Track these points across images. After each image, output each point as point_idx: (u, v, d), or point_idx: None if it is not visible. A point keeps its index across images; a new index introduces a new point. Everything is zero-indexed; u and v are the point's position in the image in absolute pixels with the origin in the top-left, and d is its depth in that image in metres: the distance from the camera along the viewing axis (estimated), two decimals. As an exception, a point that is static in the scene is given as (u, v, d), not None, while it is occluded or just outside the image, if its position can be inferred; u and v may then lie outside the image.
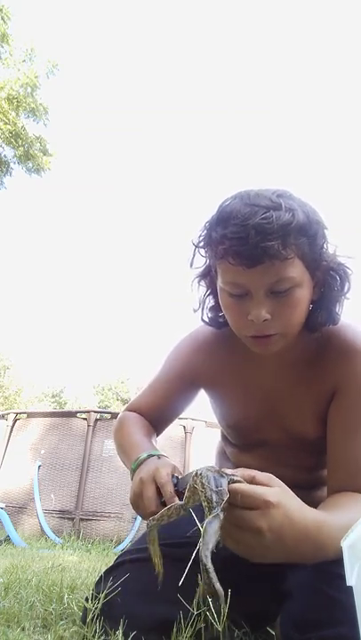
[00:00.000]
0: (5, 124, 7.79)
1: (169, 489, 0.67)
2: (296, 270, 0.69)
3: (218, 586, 0.47)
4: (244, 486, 0.54)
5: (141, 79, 57.00)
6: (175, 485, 0.68)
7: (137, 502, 0.70)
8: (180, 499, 0.62)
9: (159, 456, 0.78)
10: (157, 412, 0.95)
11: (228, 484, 0.53)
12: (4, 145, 8.13)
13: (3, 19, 7.51)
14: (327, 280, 0.75)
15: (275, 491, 0.55)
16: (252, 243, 0.65)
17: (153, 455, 0.78)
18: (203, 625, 0.61)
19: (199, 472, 0.54)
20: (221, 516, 0.50)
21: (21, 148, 8.12)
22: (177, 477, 0.70)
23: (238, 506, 0.53)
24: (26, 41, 7.95)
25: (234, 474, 0.55)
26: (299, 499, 0.59)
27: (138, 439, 0.86)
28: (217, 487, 0.52)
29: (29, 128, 8.20)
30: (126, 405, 1.01)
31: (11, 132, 7.88)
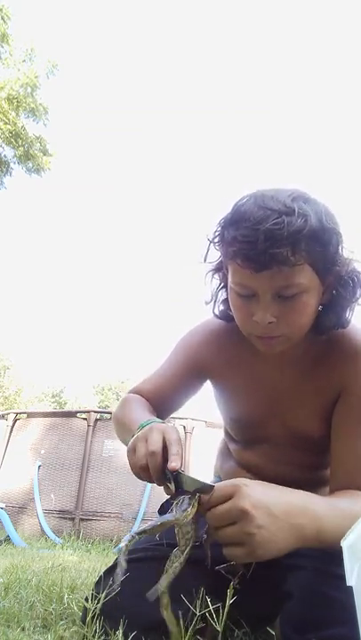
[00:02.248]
0: (5, 123, 7.78)
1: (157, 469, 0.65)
2: (305, 276, 0.69)
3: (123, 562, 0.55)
4: (217, 483, 0.58)
5: (141, 79, 57.01)
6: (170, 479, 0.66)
7: (131, 460, 0.69)
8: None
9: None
10: (161, 399, 0.94)
11: (195, 496, 0.58)
12: (4, 145, 8.12)
13: (3, 19, 7.49)
14: (338, 285, 0.75)
15: (240, 478, 0.59)
16: (261, 248, 0.65)
17: (154, 422, 0.74)
18: (202, 625, 0.61)
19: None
20: (185, 514, 0.57)
21: (21, 148, 8.10)
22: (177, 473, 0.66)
23: (217, 504, 0.56)
24: (26, 41, 7.94)
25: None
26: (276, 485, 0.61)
27: (140, 415, 0.83)
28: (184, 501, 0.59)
29: (29, 128, 8.19)
30: (130, 388, 0.99)
31: (11, 132, 7.86)
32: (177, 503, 0.59)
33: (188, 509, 0.57)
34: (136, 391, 0.96)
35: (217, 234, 0.76)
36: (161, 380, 0.95)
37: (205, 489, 0.58)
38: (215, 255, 0.81)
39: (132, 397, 0.94)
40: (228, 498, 0.56)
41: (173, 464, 0.62)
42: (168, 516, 0.57)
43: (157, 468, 0.64)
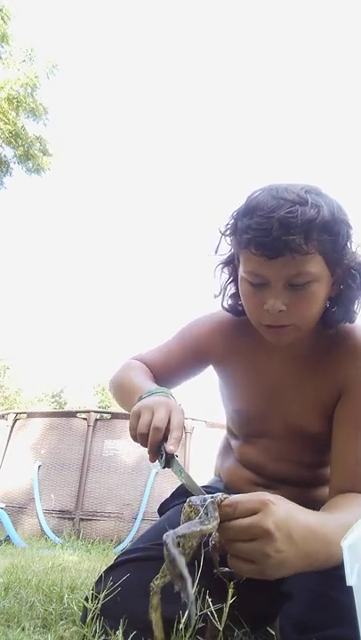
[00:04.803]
0: (5, 123, 7.78)
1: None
2: (316, 266, 0.70)
3: (184, 571, 0.46)
4: (239, 495, 0.54)
5: (142, 79, 57.00)
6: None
7: (133, 423, 0.71)
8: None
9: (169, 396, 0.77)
10: (162, 372, 0.94)
11: (219, 502, 0.53)
12: (4, 145, 8.12)
13: (3, 19, 7.49)
14: (347, 278, 0.76)
15: (264, 493, 0.55)
16: (275, 235, 0.66)
17: (162, 393, 0.76)
18: (202, 625, 0.61)
19: (188, 501, 0.55)
20: (215, 525, 0.51)
21: (21, 148, 8.10)
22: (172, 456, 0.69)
23: (239, 517, 0.52)
24: (26, 41, 7.94)
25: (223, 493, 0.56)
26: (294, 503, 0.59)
27: (144, 382, 0.84)
28: (203, 502, 0.53)
29: (29, 128, 8.19)
30: (133, 355, 0.99)
31: (11, 132, 7.86)
32: (193, 508, 0.54)
33: (215, 522, 0.52)
34: (139, 359, 0.97)
35: (229, 225, 0.77)
36: (165, 354, 0.96)
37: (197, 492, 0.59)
38: (225, 249, 0.82)
39: (136, 363, 0.95)
40: (253, 513, 0.53)
41: (171, 447, 0.66)
42: (195, 525, 0.51)
43: (155, 443, 0.67)
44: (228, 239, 0.79)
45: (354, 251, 0.75)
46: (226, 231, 0.78)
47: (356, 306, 0.79)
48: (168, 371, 0.95)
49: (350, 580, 0.47)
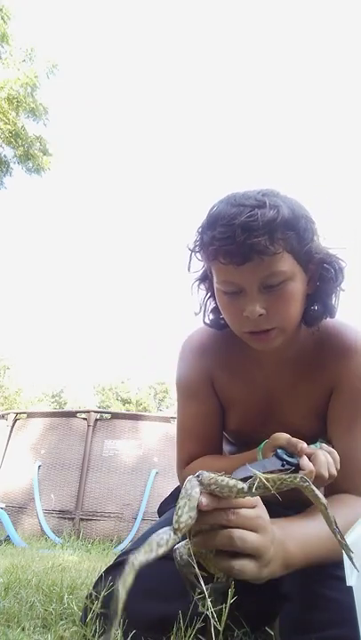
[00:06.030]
0: (5, 123, 7.78)
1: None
2: (286, 264, 0.71)
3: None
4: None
5: (142, 78, 57.02)
6: None
7: None
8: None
9: None
10: (204, 450, 0.90)
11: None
12: (4, 145, 8.12)
13: (3, 19, 7.49)
14: (321, 273, 0.77)
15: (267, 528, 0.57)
16: (239, 241, 0.67)
17: None
18: (202, 624, 0.61)
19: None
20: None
21: (21, 148, 8.10)
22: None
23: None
24: (26, 41, 7.94)
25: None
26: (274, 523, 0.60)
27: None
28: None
29: (29, 128, 8.18)
30: (178, 464, 0.93)
31: (11, 132, 7.86)
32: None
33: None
34: (184, 461, 0.91)
35: (197, 241, 0.77)
36: (191, 439, 0.91)
37: None
38: (199, 266, 0.82)
39: (190, 467, 0.89)
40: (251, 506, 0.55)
41: None
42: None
43: None
44: (199, 255, 0.79)
45: (321, 245, 0.76)
46: (195, 247, 0.78)
47: (334, 299, 0.79)
48: (207, 446, 0.90)
49: (350, 580, 0.48)
